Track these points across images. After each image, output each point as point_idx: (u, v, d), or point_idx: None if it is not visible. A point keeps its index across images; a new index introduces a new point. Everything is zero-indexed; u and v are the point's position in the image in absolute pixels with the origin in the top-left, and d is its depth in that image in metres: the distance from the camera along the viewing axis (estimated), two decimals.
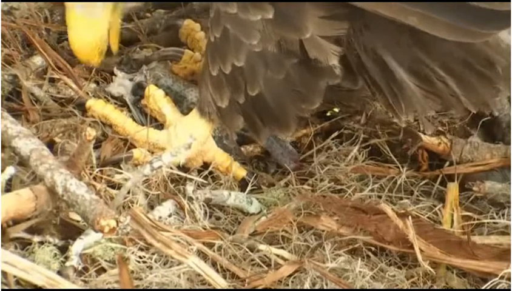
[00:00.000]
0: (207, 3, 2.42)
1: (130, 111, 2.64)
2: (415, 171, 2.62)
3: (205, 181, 2.44)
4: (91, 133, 2.15)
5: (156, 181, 2.34)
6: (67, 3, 2.62)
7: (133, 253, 2.13)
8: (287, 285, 2.14)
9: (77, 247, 2.10)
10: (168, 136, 2.48)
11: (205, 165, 2.50)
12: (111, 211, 1.99)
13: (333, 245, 2.24)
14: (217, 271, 2.13)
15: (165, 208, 2.30)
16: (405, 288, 2.20)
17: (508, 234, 2.36)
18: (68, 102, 2.64)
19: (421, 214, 2.40)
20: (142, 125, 2.55)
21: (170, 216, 2.30)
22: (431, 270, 2.22)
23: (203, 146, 2.48)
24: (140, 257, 2.13)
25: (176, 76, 2.73)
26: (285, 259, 2.21)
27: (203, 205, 2.32)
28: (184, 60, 2.77)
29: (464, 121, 2.78)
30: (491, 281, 2.17)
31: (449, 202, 2.47)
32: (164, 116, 2.53)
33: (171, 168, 2.39)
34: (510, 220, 2.41)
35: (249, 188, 2.45)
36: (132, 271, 2.10)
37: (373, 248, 2.28)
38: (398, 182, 2.54)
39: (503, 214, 2.43)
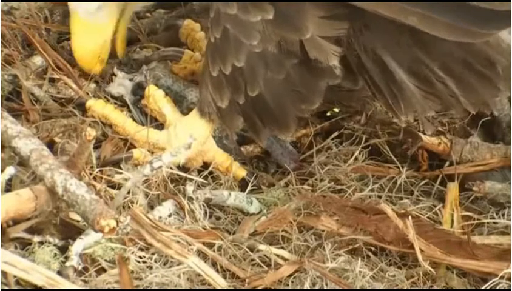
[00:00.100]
0: (207, 3, 2.41)
1: (130, 111, 2.64)
2: (415, 171, 2.62)
3: (205, 181, 2.44)
4: (91, 133, 2.15)
5: (156, 181, 2.34)
6: (72, 8, 2.61)
7: (133, 253, 2.13)
8: (287, 285, 2.14)
9: (77, 247, 2.10)
10: (168, 136, 2.48)
11: (205, 165, 2.50)
12: (111, 211, 1.99)
13: (333, 245, 2.24)
14: (217, 271, 2.13)
15: (165, 208, 2.30)
16: (405, 288, 2.20)
17: (508, 234, 2.36)
18: (68, 102, 2.64)
19: (421, 214, 2.40)
20: (142, 125, 2.55)
21: (170, 216, 2.30)
22: (431, 270, 2.22)
23: (203, 146, 2.48)
24: (140, 257, 2.13)
25: (176, 76, 2.73)
26: (285, 259, 2.21)
27: (203, 205, 2.32)
28: (184, 60, 2.77)
29: (464, 121, 2.77)
30: (491, 281, 2.16)
31: (449, 202, 2.47)
32: (164, 116, 2.53)
33: (171, 168, 2.39)
34: (510, 220, 2.41)
35: (249, 188, 2.45)
36: (132, 271, 2.10)
37: (373, 248, 2.27)
38: (398, 182, 2.54)
39: (503, 214, 2.43)
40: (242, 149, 2.62)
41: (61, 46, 2.82)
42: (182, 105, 2.63)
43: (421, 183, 2.57)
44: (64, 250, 2.11)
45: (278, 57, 2.26)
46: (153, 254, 2.14)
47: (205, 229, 2.27)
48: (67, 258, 2.09)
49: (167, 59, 2.80)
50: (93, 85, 2.70)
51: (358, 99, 2.67)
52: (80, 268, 2.08)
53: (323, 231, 2.29)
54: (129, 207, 2.25)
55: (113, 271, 2.09)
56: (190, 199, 2.31)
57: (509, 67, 2.26)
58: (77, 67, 2.72)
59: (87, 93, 2.66)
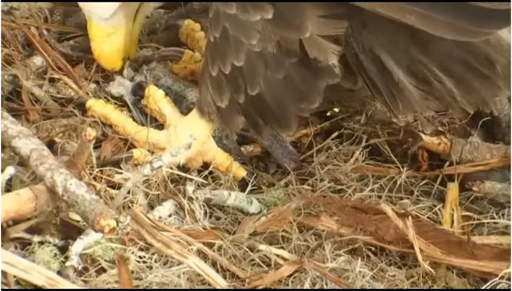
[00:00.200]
0: (207, 3, 2.42)
1: (130, 111, 2.64)
2: (415, 171, 2.62)
3: (205, 181, 2.44)
4: (91, 133, 2.15)
5: (156, 181, 2.34)
6: (87, 15, 2.62)
7: (133, 253, 2.13)
8: (287, 285, 2.14)
9: (77, 247, 2.10)
10: (168, 136, 2.48)
11: (205, 165, 2.50)
12: (111, 211, 1.99)
13: (333, 245, 2.24)
14: (217, 271, 2.13)
15: (165, 208, 2.30)
16: (405, 288, 2.20)
17: (508, 234, 2.36)
18: (68, 102, 2.64)
19: (421, 214, 2.40)
20: (142, 125, 2.55)
21: (170, 216, 2.29)
22: (431, 270, 2.21)
23: (203, 146, 2.48)
24: (140, 257, 2.13)
25: (176, 76, 2.73)
26: (285, 259, 2.21)
27: (203, 205, 2.32)
28: (184, 60, 2.77)
29: (464, 121, 2.77)
30: (491, 281, 2.16)
31: (449, 202, 2.47)
32: (164, 116, 2.53)
33: (171, 168, 2.39)
34: (510, 220, 2.41)
35: (249, 188, 2.45)
36: (132, 271, 2.10)
37: (373, 248, 2.27)
38: (398, 182, 2.53)
39: (503, 214, 2.43)
40: (242, 149, 2.62)
41: (61, 46, 2.82)
42: (182, 105, 2.63)
43: (421, 183, 2.57)
44: (64, 250, 2.11)
45: (278, 56, 2.26)
46: (153, 254, 2.14)
47: (205, 229, 2.27)
48: (67, 258, 2.09)
49: (167, 59, 2.80)
50: (93, 85, 2.71)
51: (358, 99, 2.67)
52: (80, 268, 2.08)
53: (323, 231, 2.29)
54: (129, 207, 2.25)
55: (113, 271, 2.09)
56: (190, 199, 2.31)
57: (509, 66, 2.26)
58: (77, 67, 2.72)
59: (87, 93, 2.66)
